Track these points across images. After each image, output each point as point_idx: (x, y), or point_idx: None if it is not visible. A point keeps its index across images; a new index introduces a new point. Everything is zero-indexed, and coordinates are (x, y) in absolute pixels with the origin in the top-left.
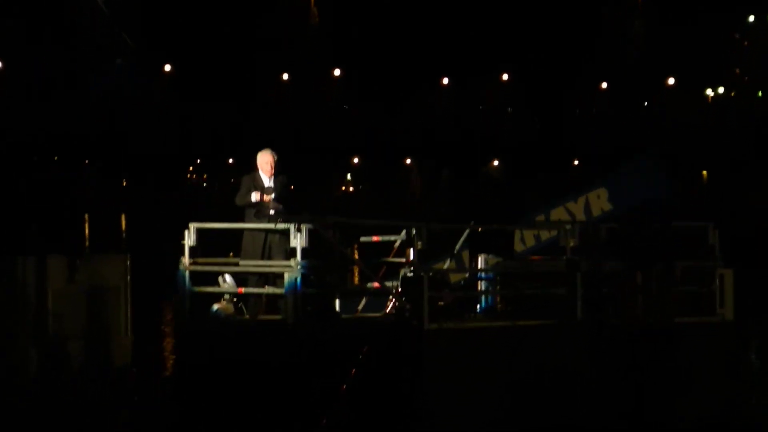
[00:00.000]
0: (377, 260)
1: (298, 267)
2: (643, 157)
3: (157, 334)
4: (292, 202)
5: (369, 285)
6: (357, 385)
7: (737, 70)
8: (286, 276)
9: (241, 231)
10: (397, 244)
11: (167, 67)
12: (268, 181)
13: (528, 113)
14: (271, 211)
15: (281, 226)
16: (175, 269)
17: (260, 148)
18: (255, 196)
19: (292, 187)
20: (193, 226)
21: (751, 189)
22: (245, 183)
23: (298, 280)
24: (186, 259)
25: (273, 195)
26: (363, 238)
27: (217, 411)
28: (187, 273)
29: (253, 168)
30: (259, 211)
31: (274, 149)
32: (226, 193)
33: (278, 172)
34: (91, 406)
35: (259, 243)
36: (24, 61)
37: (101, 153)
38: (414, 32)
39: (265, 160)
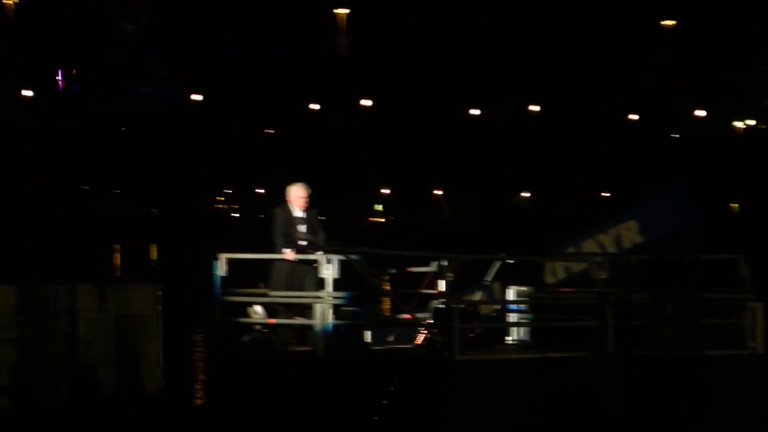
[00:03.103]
0: (408, 291)
1: (329, 298)
2: (673, 188)
3: (189, 363)
4: (324, 234)
5: (400, 316)
6: (388, 416)
7: (765, 102)
8: (317, 307)
9: (270, 261)
10: (428, 276)
11: (195, 97)
12: (301, 214)
13: (556, 145)
14: (303, 242)
15: (312, 256)
16: (206, 299)
17: (290, 182)
18: (290, 254)
19: (324, 218)
20: (223, 256)
21: None
22: (279, 217)
23: (330, 311)
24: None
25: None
26: (393, 270)
27: None
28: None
29: (284, 201)
30: (293, 245)
31: (304, 182)
32: (255, 222)
33: (311, 205)
34: None
35: (287, 273)
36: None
37: (132, 183)
38: (438, 63)
39: (299, 195)
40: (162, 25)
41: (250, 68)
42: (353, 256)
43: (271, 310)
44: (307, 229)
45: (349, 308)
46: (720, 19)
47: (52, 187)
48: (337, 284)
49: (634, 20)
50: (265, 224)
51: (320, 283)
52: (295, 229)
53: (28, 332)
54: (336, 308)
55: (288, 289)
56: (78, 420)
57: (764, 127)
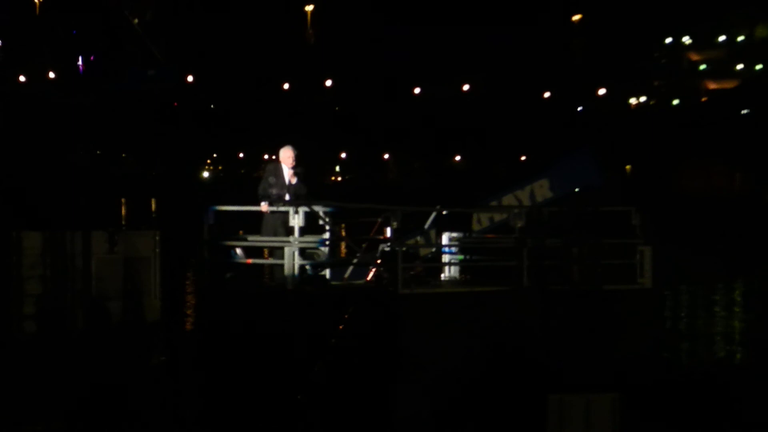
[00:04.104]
0: (361, 237)
1: (296, 242)
2: (579, 153)
3: (182, 297)
4: (305, 190)
5: (354, 258)
6: (345, 337)
7: (655, 82)
8: (286, 250)
9: (251, 212)
10: (377, 224)
11: (189, 78)
12: (288, 172)
13: (486, 118)
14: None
15: (283, 208)
16: (197, 245)
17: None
18: (265, 206)
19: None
20: (215, 207)
21: (675, 179)
22: (268, 172)
23: (296, 251)
24: (236, 243)
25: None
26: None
27: (223, 358)
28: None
29: (276, 160)
30: (269, 200)
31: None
32: (239, 180)
33: (297, 164)
34: (126, 353)
35: (273, 224)
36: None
37: (137, 148)
38: (391, 49)
39: (287, 155)
40: (163, 17)
41: (235, 56)
42: (317, 208)
43: (253, 251)
44: (291, 185)
45: (313, 251)
46: (618, 14)
47: (73, 152)
48: (303, 231)
49: (550, 16)
50: (243, 180)
51: (290, 231)
52: (279, 183)
53: (50, 270)
54: (302, 251)
55: (274, 236)
56: (92, 342)
57: (653, 103)
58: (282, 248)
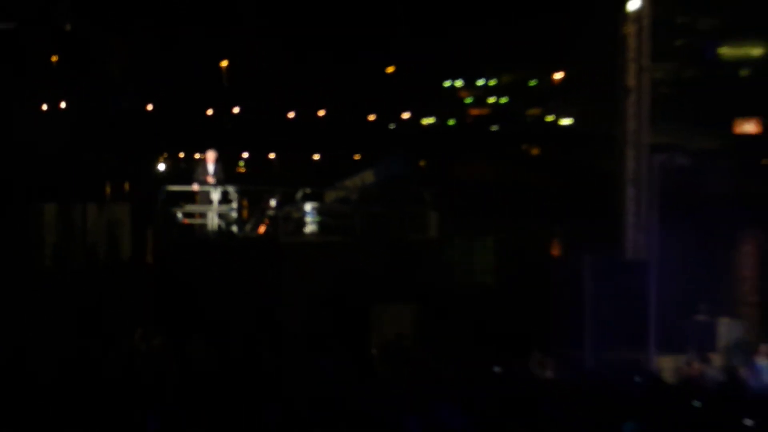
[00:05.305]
0: (258, 206)
1: (215, 209)
2: (392, 154)
3: (145, 244)
4: (222, 177)
5: (252, 219)
6: (242, 270)
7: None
8: (209, 214)
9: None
10: (266, 198)
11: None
12: (211, 166)
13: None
14: (210, 179)
15: (209, 188)
16: (154, 212)
17: (206, 149)
18: (196, 186)
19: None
20: (167, 187)
21: (452, 170)
22: (198, 167)
23: (215, 215)
24: (179, 210)
25: (211, 178)
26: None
27: (170, 273)
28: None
29: (203, 157)
30: (199, 183)
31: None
32: (181, 171)
33: (217, 161)
34: (109, 281)
35: (201, 198)
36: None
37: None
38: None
39: (210, 155)
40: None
41: (180, 91)
42: (229, 188)
43: (189, 215)
44: (213, 173)
45: (226, 214)
46: (417, 64)
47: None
48: (220, 202)
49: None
50: (184, 171)
51: (212, 202)
52: (205, 172)
53: (61, 227)
54: (220, 215)
55: (202, 205)
56: (87, 277)
57: (438, 123)
58: (206, 213)
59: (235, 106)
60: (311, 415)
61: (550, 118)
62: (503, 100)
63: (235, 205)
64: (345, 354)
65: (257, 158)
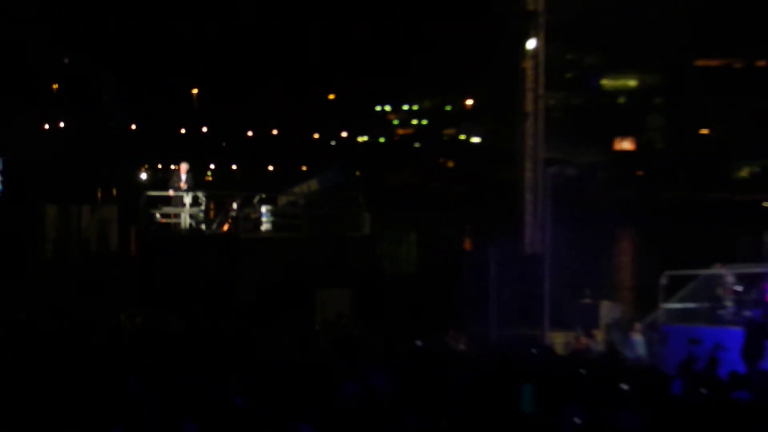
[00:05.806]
0: (223, 208)
1: (187, 210)
2: (333, 166)
3: (128, 238)
4: (193, 184)
5: (217, 218)
6: (209, 260)
7: (399, 131)
8: (182, 215)
9: (165, 196)
10: (230, 201)
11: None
12: (184, 176)
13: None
14: (183, 186)
15: (182, 193)
16: (137, 213)
17: (180, 161)
18: (171, 192)
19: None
20: (147, 193)
21: (383, 178)
22: (173, 176)
23: (187, 215)
24: (157, 211)
25: (184, 185)
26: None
27: (150, 260)
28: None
29: (177, 168)
30: (174, 189)
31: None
32: (160, 179)
33: (189, 171)
34: (100, 269)
35: (175, 202)
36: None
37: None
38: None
39: (183, 167)
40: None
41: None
42: (198, 193)
43: (165, 216)
44: (186, 181)
45: (197, 214)
46: (353, 92)
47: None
48: (191, 205)
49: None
50: (162, 179)
51: (184, 205)
52: (179, 180)
53: (60, 224)
54: (191, 215)
55: (176, 207)
56: (82, 266)
57: (370, 140)
58: (180, 214)
59: (203, 126)
60: (268, 371)
61: (462, 137)
62: (424, 121)
63: (203, 207)
64: (294, 329)
65: (222, 169)
